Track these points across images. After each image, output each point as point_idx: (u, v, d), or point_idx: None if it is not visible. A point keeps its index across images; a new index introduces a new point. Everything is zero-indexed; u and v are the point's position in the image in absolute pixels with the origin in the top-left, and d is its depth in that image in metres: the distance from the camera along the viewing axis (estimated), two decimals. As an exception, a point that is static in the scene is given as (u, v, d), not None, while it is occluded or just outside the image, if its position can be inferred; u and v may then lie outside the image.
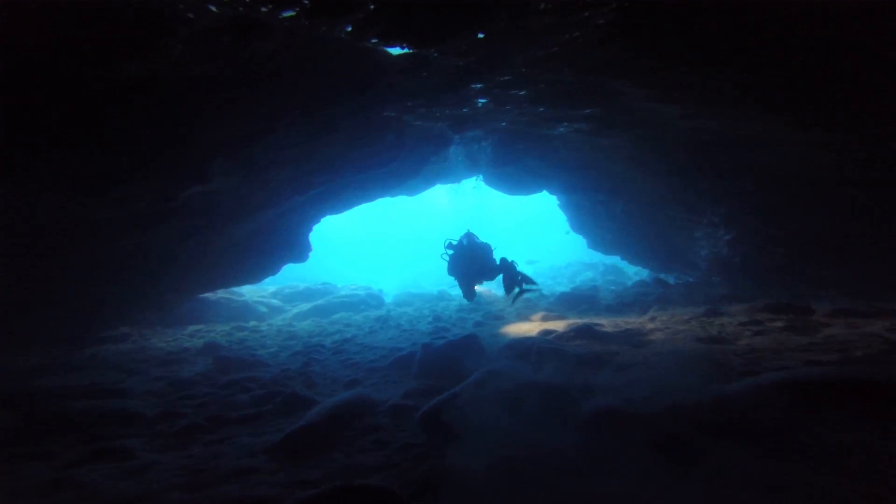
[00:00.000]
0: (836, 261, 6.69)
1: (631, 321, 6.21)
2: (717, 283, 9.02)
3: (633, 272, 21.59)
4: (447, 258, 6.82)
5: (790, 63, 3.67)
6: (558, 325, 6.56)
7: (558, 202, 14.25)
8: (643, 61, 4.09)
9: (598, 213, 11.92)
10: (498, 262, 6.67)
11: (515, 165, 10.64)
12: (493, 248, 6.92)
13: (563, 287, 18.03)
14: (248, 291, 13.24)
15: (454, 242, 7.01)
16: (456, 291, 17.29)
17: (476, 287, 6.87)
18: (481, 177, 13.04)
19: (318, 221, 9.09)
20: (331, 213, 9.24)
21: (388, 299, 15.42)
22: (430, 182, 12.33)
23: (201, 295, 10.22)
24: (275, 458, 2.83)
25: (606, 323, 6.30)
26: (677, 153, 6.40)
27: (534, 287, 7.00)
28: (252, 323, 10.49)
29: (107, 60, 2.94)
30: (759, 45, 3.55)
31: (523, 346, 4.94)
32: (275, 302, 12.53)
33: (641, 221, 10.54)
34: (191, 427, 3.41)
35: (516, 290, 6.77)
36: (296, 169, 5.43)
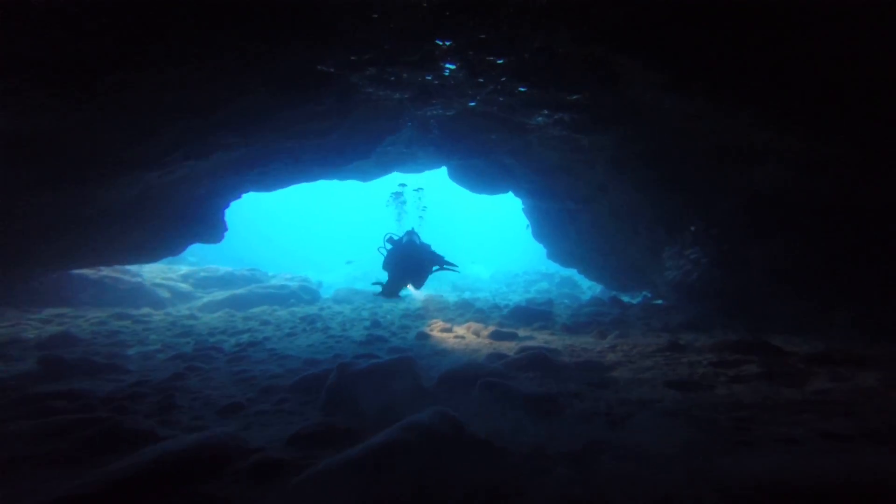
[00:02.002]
0: (798, 294, 6.54)
1: (589, 348, 5.55)
2: (674, 308, 8.80)
3: (587, 286, 21.88)
4: (384, 252, 6.99)
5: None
6: (510, 347, 5.75)
7: (523, 206, 13.69)
8: (664, 31, 3.33)
9: (562, 223, 11.45)
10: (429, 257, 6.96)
11: (484, 159, 9.82)
12: (432, 249, 7.13)
13: (517, 295, 17.64)
14: (150, 271, 11.30)
15: (395, 238, 7.19)
16: (403, 291, 16.28)
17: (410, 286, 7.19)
18: (445, 169, 12.18)
19: (238, 197, 7.63)
20: (256, 189, 7.80)
21: (326, 294, 14.00)
22: (386, 168, 11.17)
23: (75, 271, 8.33)
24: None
25: (562, 348, 5.60)
26: (667, 161, 5.86)
27: (453, 268, 7.37)
28: (144, 310, 8.77)
29: None
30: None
31: (466, 376, 4.03)
32: (183, 286, 10.73)
33: (607, 235, 10.16)
34: None
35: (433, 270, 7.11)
36: (189, 122, 4.12)
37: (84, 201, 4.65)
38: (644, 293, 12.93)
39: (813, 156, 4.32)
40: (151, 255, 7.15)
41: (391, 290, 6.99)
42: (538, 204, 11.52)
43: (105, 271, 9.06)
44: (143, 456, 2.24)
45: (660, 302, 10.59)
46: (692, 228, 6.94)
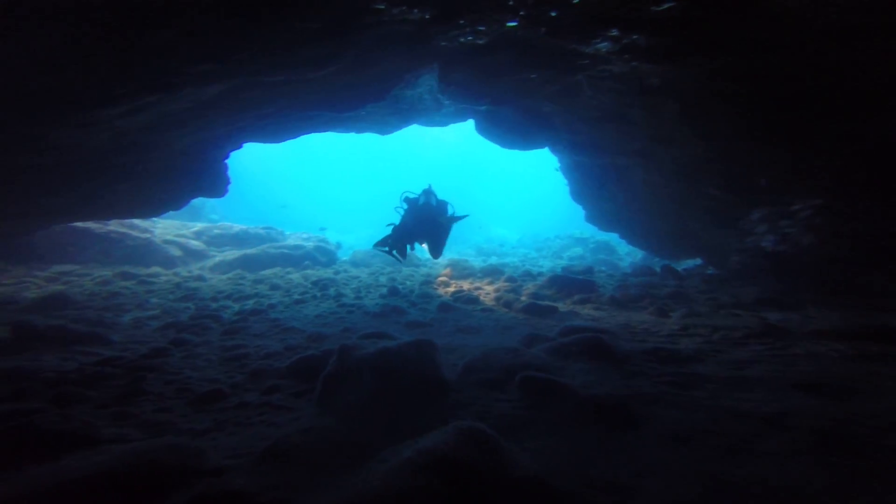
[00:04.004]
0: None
1: (651, 329, 4.61)
2: (738, 280, 7.62)
3: (625, 252, 20.48)
4: (401, 212, 6.55)
5: None
6: (550, 326, 4.89)
7: (560, 164, 12.35)
8: None
9: (607, 181, 10.15)
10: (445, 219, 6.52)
11: (519, 106, 8.54)
12: (450, 207, 6.72)
13: (548, 261, 16.60)
14: (163, 227, 10.98)
15: (411, 197, 6.85)
16: (425, 255, 15.59)
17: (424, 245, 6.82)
18: (472, 123, 10.91)
19: (238, 147, 6.82)
20: (258, 139, 6.93)
21: (343, 256, 13.46)
22: (405, 117, 10.02)
23: (79, 225, 7.97)
24: None
25: (616, 328, 4.68)
26: (770, 106, 4.55)
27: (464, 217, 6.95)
28: (153, 269, 8.41)
29: None
30: None
31: (499, 365, 3.24)
32: (195, 244, 10.36)
33: (661, 195, 8.86)
34: None
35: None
36: (131, 40, 3.19)
37: (38, 147, 3.96)
38: (694, 261, 11.68)
39: None
40: (149, 209, 6.58)
41: (399, 251, 6.50)
42: (581, 160, 10.19)
43: (111, 226, 8.70)
44: (39, 480, 1.57)
45: (710, 271, 9.41)
46: (806, 186, 5.65)
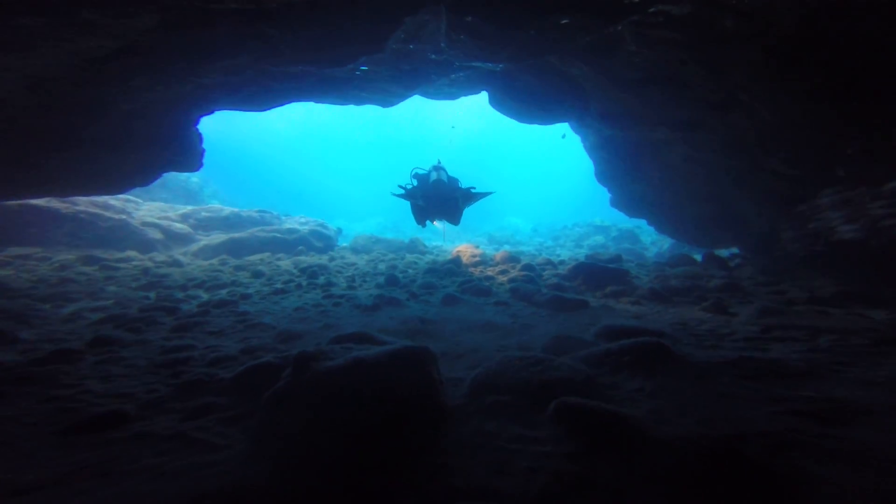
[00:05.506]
0: None
1: (720, 330, 3.62)
2: (799, 271, 6.52)
3: (650, 242, 19.23)
4: (409, 187, 6.68)
5: None
6: (583, 325, 3.93)
7: (585, 143, 11.23)
8: None
9: (641, 159, 9.03)
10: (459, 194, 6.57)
11: (538, 68, 7.47)
12: (460, 184, 6.73)
13: (566, 251, 15.52)
14: (149, 210, 10.24)
15: (421, 173, 6.92)
16: (431, 242, 14.74)
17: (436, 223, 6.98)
18: (485, 93, 9.85)
19: (208, 112, 5.90)
20: (234, 102, 5.95)
21: (343, 242, 12.62)
22: (408, 84, 8.97)
23: (41, 203, 7.24)
24: None
25: (670, 328, 3.69)
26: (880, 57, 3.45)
27: (488, 194, 6.96)
28: (127, 253, 7.66)
29: None
30: None
31: (522, 382, 2.34)
32: (179, 227, 9.58)
33: (707, 173, 7.74)
34: None
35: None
36: None
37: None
38: (729, 251, 10.55)
39: None
40: (106, 183, 5.74)
41: (418, 220, 6.82)
42: (611, 134, 9.07)
43: (81, 205, 7.96)
44: None
45: (735, 262, 8.32)
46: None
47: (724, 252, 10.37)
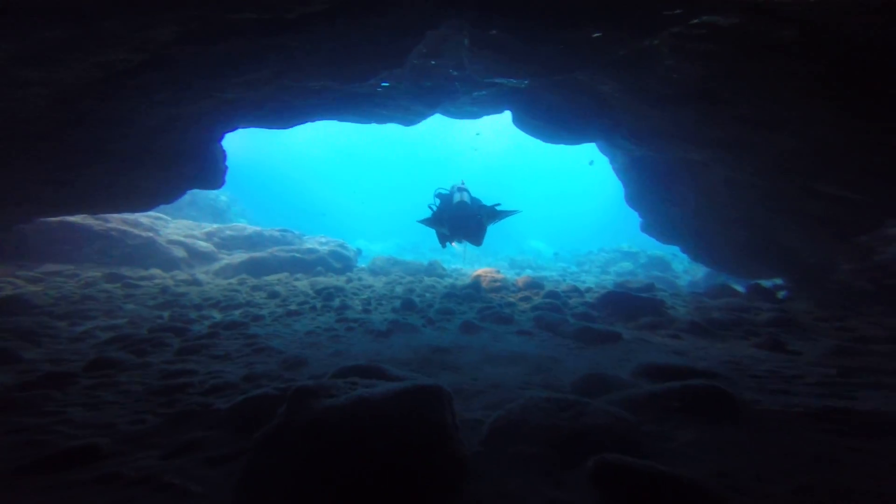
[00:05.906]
0: None
1: (773, 367, 3.16)
2: (856, 304, 5.87)
3: (682, 270, 18.31)
4: (434, 208, 6.70)
5: None
6: (617, 358, 3.53)
7: (613, 164, 10.89)
8: None
9: (676, 181, 8.61)
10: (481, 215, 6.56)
11: (564, 86, 7.29)
12: (482, 203, 6.67)
13: (592, 276, 14.93)
14: (175, 227, 10.49)
15: (444, 193, 6.88)
16: (450, 265, 14.48)
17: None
18: (509, 113, 9.75)
19: (232, 129, 5.98)
20: (255, 120, 6.02)
21: (363, 262, 12.54)
22: (430, 103, 8.95)
23: (77, 221, 7.46)
24: None
25: (720, 367, 3.25)
26: None
27: (515, 212, 6.94)
28: (152, 271, 7.75)
29: None
30: None
31: (550, 430, 2.00)
32: (202, 245, 9.72)
33: (751, 198, 7.23)
34: None
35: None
36: None
37: None
38: (772, 281, 9.80)
39: None
40: (133, 201, 5.83)
41: (440, 240, 6.92)
42: (643, 155, 8.73)
43: (112, 223, 8.18)
44: None
45: (784, 294, 7.69)
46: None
47: (766, 283, 9.66)
